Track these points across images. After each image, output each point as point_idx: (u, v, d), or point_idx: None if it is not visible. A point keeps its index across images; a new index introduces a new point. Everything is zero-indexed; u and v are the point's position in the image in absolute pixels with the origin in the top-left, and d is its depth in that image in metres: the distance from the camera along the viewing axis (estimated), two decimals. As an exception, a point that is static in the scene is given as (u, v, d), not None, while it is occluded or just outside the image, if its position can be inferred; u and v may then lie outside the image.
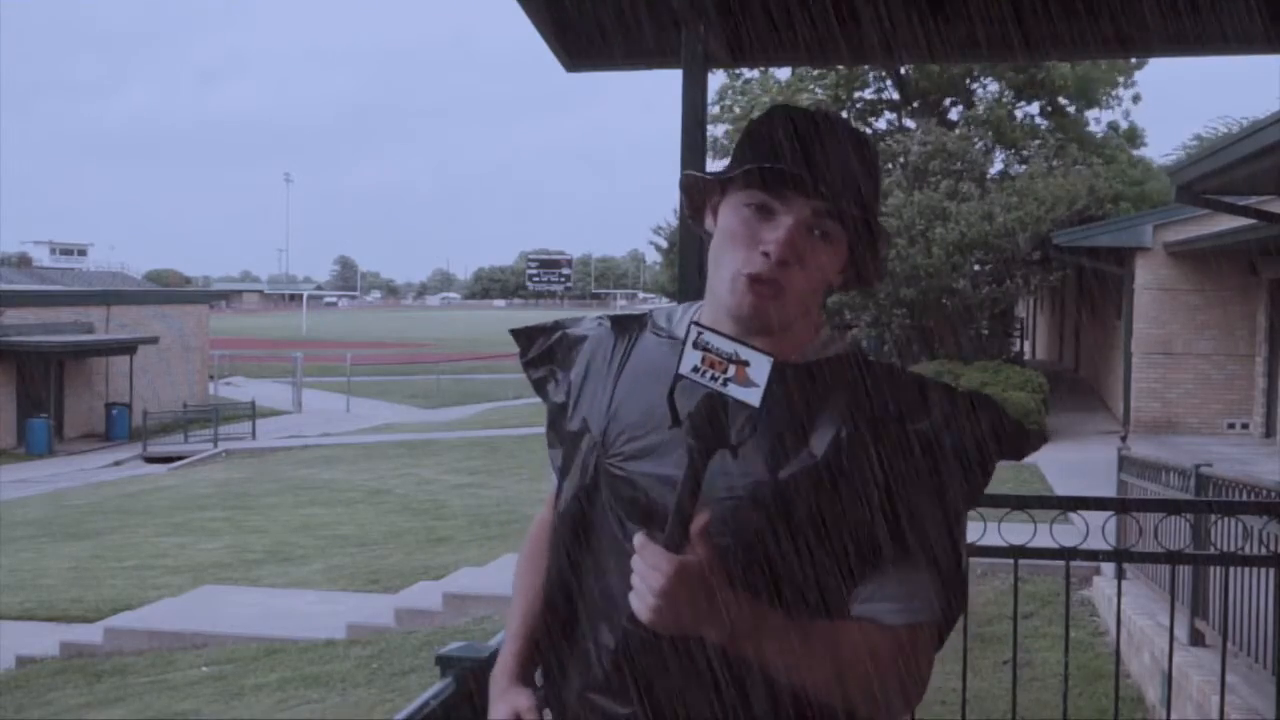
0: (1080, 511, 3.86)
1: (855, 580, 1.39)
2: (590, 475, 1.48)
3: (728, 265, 1.43)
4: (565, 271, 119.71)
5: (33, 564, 13.46)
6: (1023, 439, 1.43)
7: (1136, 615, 6.54)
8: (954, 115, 26.54)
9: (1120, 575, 4.11)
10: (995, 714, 5.37)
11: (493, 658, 1.75)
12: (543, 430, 1.69)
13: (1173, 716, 5.17)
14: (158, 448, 28.46)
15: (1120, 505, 4.53)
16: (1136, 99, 26.88)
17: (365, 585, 10.98)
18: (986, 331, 22.82)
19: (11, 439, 29.27)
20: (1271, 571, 4.28)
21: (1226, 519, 4.68)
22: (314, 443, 27.30)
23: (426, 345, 62.54)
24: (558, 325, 1.66)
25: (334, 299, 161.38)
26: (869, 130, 25.71)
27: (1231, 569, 5.07)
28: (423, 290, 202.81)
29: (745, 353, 1.29)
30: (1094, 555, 3.74)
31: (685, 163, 3.13)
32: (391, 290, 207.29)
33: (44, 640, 9.55)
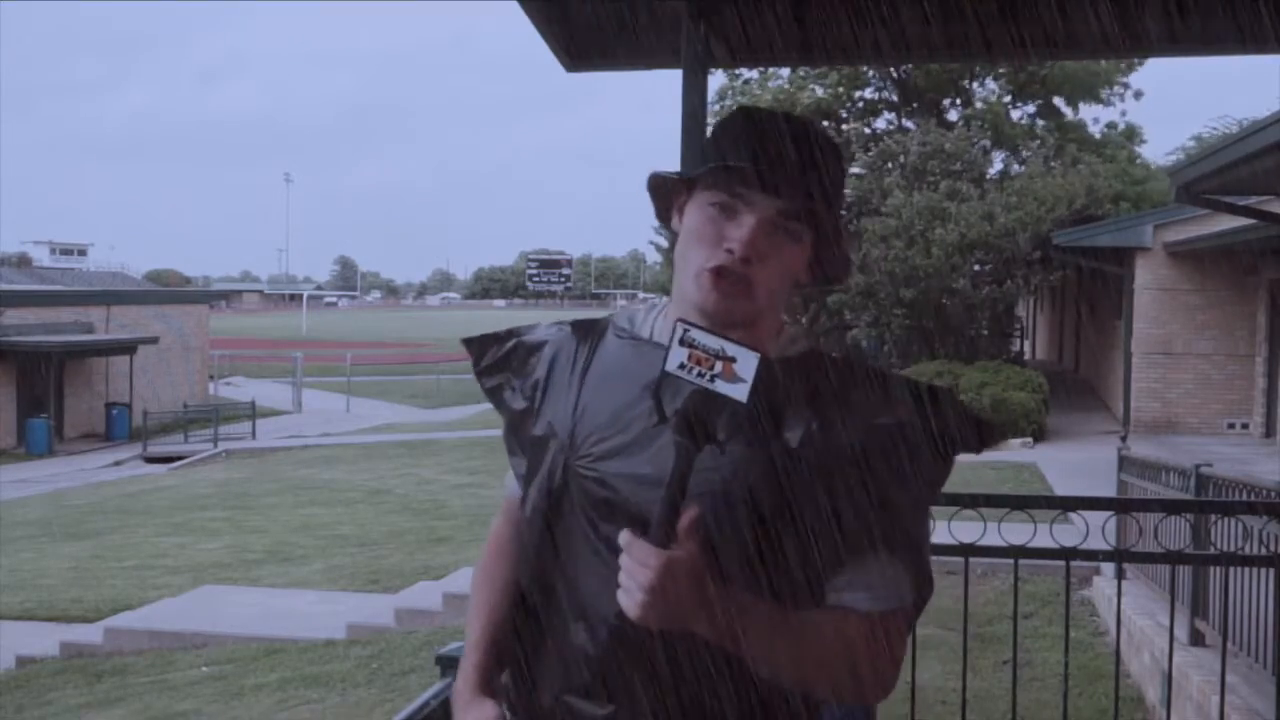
0: (1080, 511, 3.86)
1: (831, 571, 1.42)
2: (559, 478, 1.48)
3: (693, 262, 1.45)
4: (565, 271, 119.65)
5: (33, 564, 13.46)
6: (982, 431, 1.47)
7: (1136, 615, 6.54)
8: (953, 116, 26.54)
9: (1120, 575, 4.11)
10: (995, 714, 5.37)
11: None
12: None
13: (1173, 716, 5.18)
14: (158, 448, 28.46)
15: (1120, 505, 4.53)
16: (1138, 95, 26.88)
17: (365, 585, 10.98)
18: (986, 331, 22.81)
19: (11, 439, 29.27)
20: (1271, 571, 4.28)
21: (1226, 519, 4.68)
22: (314, 443, 27.31)
23: (426, 345, 62.54)
24: (511, 333, 1.66)
25: (334, 299, 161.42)
26: (869, 130, 25.72)
27: (1231, 569, 5.07)
28: (423, 290, 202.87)
29: (732, 349, 1.30)
30: (1094, 555, 3.74)
31: (685, 163, 3.14)
32: (391, 290, 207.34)
33: (44, 640, 9.55)
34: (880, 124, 26.75)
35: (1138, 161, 26.70)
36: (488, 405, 1.73)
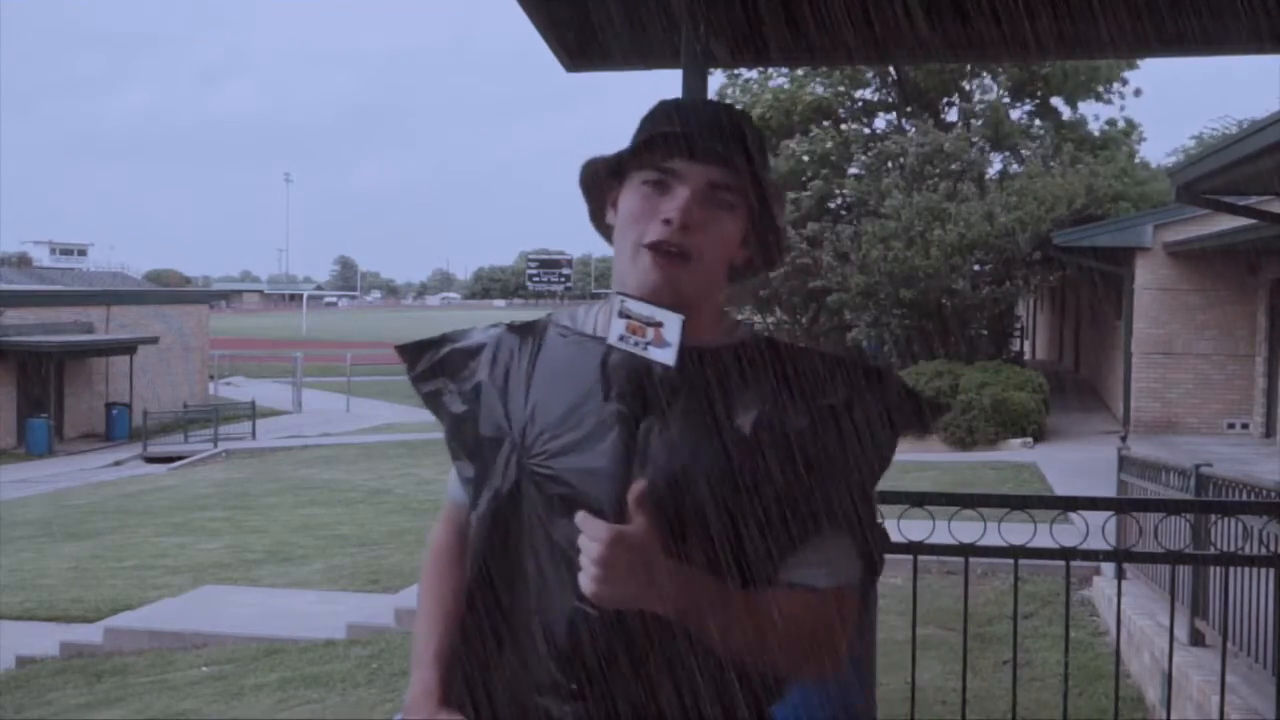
0: (1080, 511, 3.86)
1: (784, 550, 1.44)
2: (513, 477, 1.49)
3: (631, 240, 1.46)
4: (565, 271, 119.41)
5: (33, 564, 13.45)
6: (925, 409, 1.51)
7: (1136, 615, 6.54)
8: (952, 116, 26.52)
9: (1120, 575, 4.11)
10: (995, 714, 5.36)
11: None
12: None
13: (1173, 716, 5.17)
14: (158, 448, 28.46)
15: (1120, 505, 4.53)
16: (1137, 93, 26.88)
17: (365, 585, 10.97)
18: (986, 332, 22.82)
19: (11, 439, 29.27)
20: (1271, 571, 4.27)
21: (1226, 519, 4.68)
22: (314, 443, 27.30)
23: (426, 345, 62.28)
24: (445, 339, 1.66)
25: (334, 299, 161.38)
26: (868, 130, 25.70)
27: (1231, 569, 5.07)
28: (423, 290, 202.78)
29: (659, 314, 1.35)
30: (1094, 555, 3.74)
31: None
32: (391, 290, 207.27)
33: (44, 640, 9.54)
34: (880, 124, 26.75)
35: (1137, 160, 26.68)
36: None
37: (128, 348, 31.96)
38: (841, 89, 26.17)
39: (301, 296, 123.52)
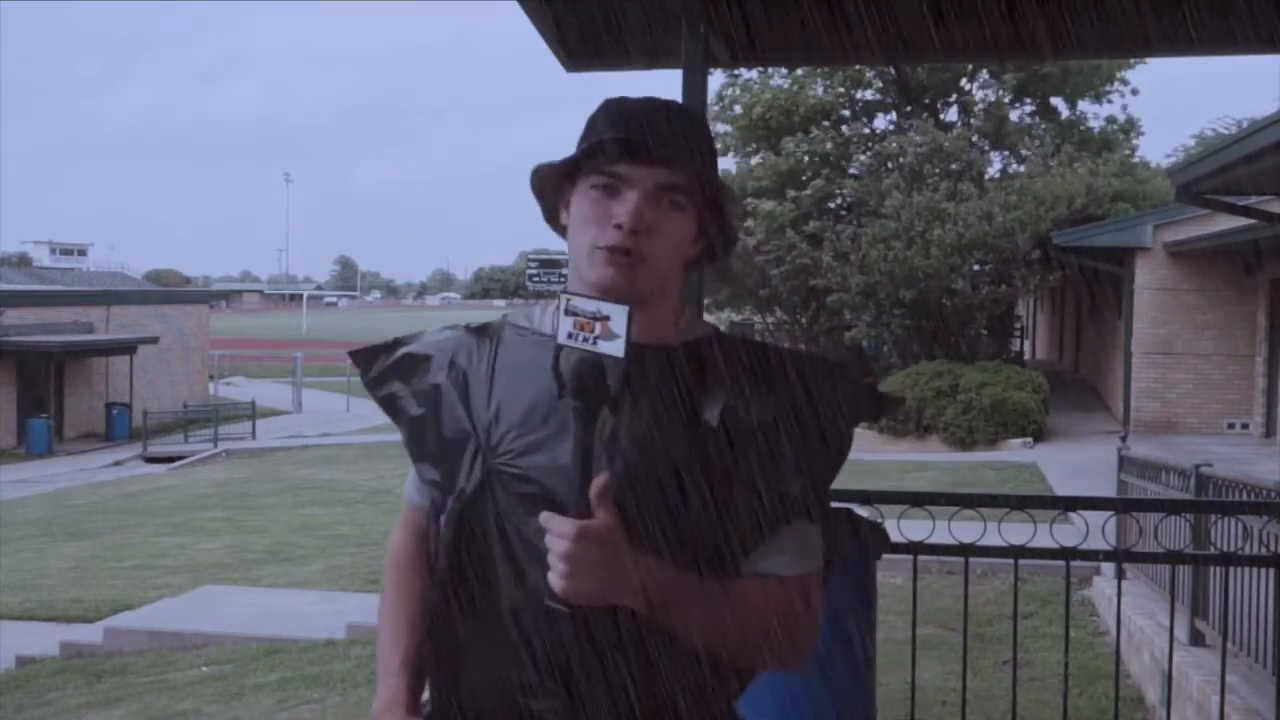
0: (1080, 511, 3.86)
1: (748, 540, 1.46)
2: (479, 478, 1.49)
3: (583, 244, 1.48)
4: (565, 272, 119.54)
5: (33, 564, 13.45)
6: (880, 401, 1.57)
7: (1136, 615, 6.54)
8: (951, 116, 26.52)
9: (1120, 575, 4.11)
10: (995, 714, 5.36)
11: None
12: None
13: (1173, 716, 5.17)
14: (158, 448, 28.46)
15: (1120, 505, 4.53)
16: (1135, 93, 26.89)
17: (365, 585, 10.96)
18: (986, 331, 22.81)
19: (11, 439, 29.28)
20: (1271, 571, 4.27)
21: (1226, 519, 4.68)
22: (314, 443, 27.30)
23: (426, 345, 62.26)
24: (398, 342, 1.67)
25: (334, 299, 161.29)
26: (868, 130, 25.70)
27: (1231, 569, 5.07)
28: (423, 290, 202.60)
29: (605, 308, 1.37)
30: (1094, 555, 3.74)
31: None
32: (391, 290, 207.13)
33: (44, 640, 9.54)
34: (880, 124, 26.75)
35: (1136, 159, 26.67)
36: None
37: (128, 348, 31.97)
38: (842, 89, 26.16)
39: (301, 296, 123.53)
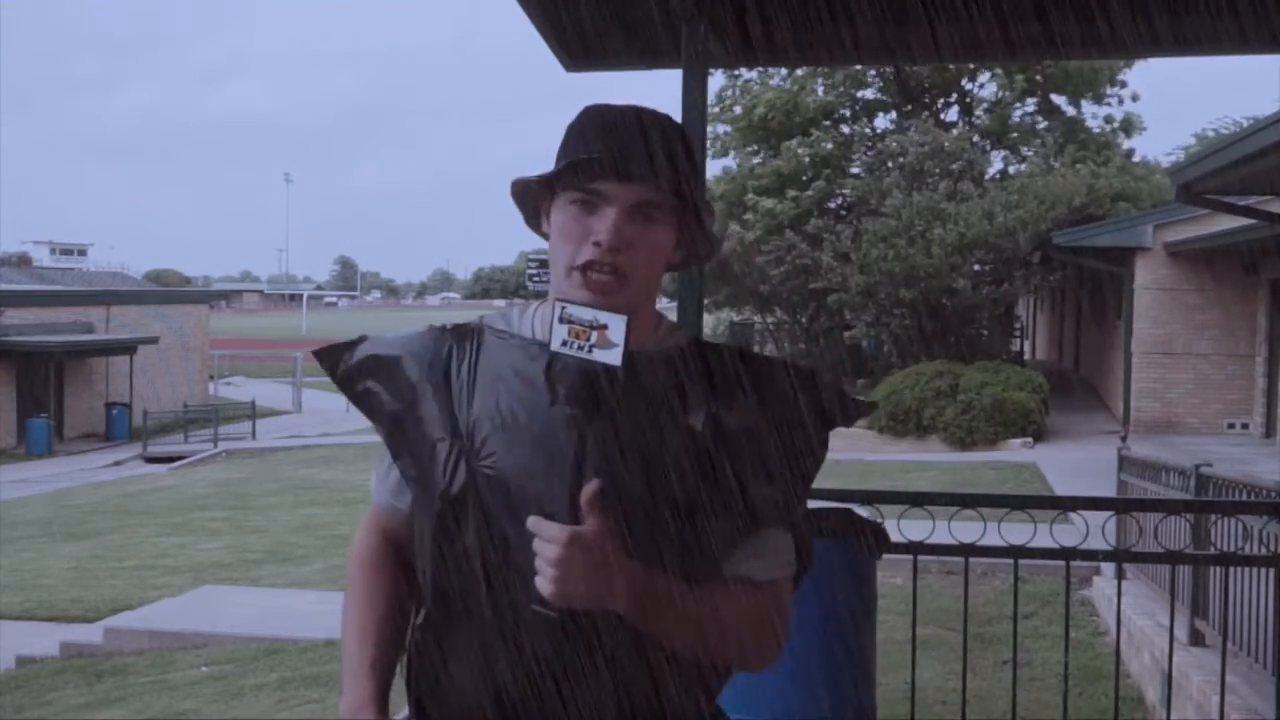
0: (1080, 511, 3.87)
1: (727, 545, 1.48)
2: (462, 481, 1.49)
3: (564, 261, 1.49)
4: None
5: (33, 564, 13.45)
6: (852, 407, 1.56)
7: (1136, 615, 6.54)
8: (952, 115, 26.51)
9: (1120, 575, 4.11)
10: (995, 714, 5.36)
11: None
12: None
13: (1173, 716, 5.17)
14: (158, 448, 28.46)
15: (1120, 505, 4.54)
16: (1135, 98, 26.87)
17: (365, 585, 10.96)
18: (986, 331, 22.81)
19: (11, 439, 29.28)
20: (1271, 571, 4.27)
21: (1226, 519, 4.68)
22: (314, 443, 27.30)
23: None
24: (365, 340, 1.66)
25: (334, 299, 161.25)
26: (869, 130, 25.70)
27: (1231, 569, 5.07)
28: (423, 290, 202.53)
29: (603, 316, 1.38)
30: (1094, 555, 3.74)
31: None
32: (391, 290, 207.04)
33: (44, 640, 9.54)
34: (880, 124, 26.74)
35: (1136, 159, 26.66)
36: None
37: (128, 348, 31.97)
38: (842, 89, 26.16)
39: (301, 296, 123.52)
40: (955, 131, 23.75)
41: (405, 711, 1.63)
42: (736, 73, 25.20)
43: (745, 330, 29.65)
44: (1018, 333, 27.32)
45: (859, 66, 23.70)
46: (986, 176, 23.52)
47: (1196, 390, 17.78)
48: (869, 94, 27.03)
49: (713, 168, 27.25)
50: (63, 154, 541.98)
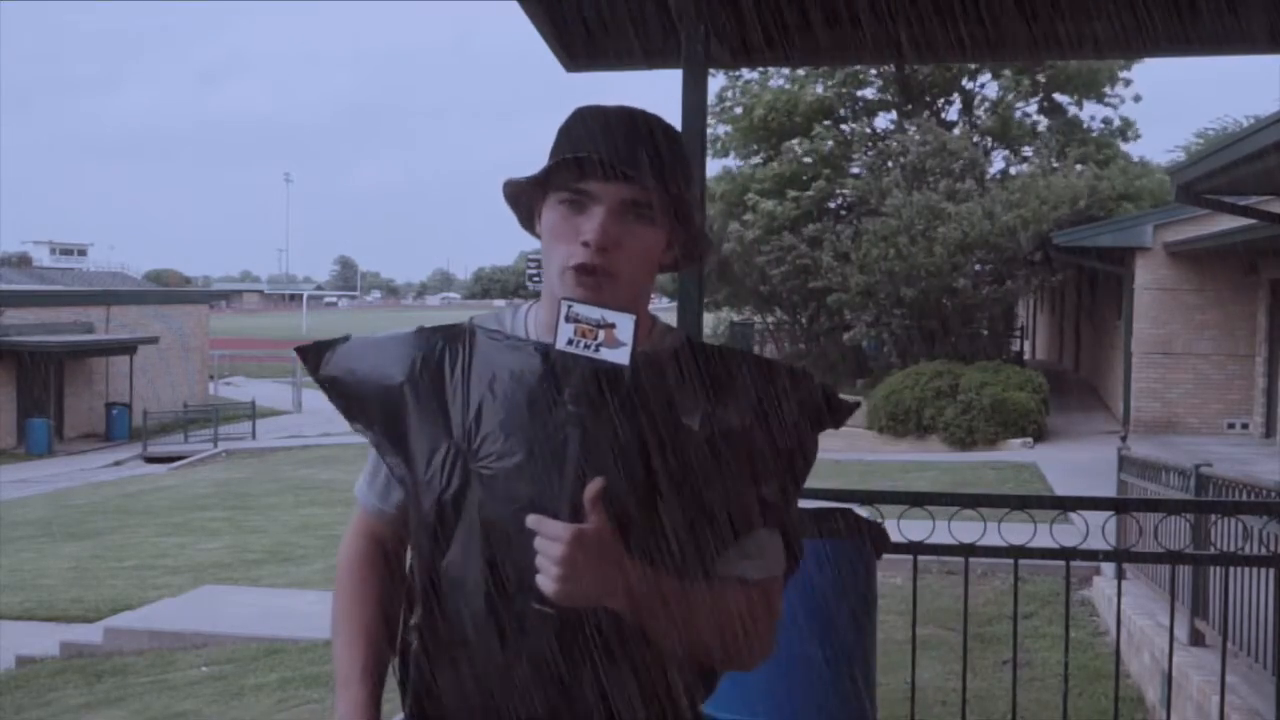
0: (1080, 511, 3.87)
1: (721, 544, 1.49)
2: (459, 482, 1.49)
3: (555, 262, 1.49)
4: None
5: (33, 564, 13.45)
6: (841, 408, 1.57)
7: (1136, 615, 6.54)
8: (952, 115, 26.51)
9: (1120, 575, 4.12)
10: (995, 714, 5.37)
11: None
12: None
13: (1173, 716, 5.18)
14: (158, 448, 28.46)
15: (1120, 505, 4.53)
16: (1137, 99, 26.87)
17: (365, 585, 10.97)
18: (986, 332, 22.81)
19: (11, 439, 29.28)
20: (1271, 571, 4.27)
21: (1226, 519, 4.68)
22: (314, 443, 27.29)
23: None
24: (348, 338, 1.66)
25: (334, 299, 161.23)
26: (869, 130, 25.71)
27: (1231, 569, 5.07)
28: (423, 290, 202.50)
29: (611, 315, 1.38)
30: (1094, 555, 3.74)
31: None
32: (391, 290, 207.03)
33: (44, 640, 9.54)
34: (881, 123, 26.75)
35: (1135, 159, 26.66)
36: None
37: (128, 348, 31.97)
38: (843, 89, 26.17)
39: (301, 296, 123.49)
40: (957, 131, 23.75)
41: (400, 716, 1.63)
42: (737, 73, 25.20)
43: (745, 330, 29.64)
44: (1018, 333, 27.34)
45: (859, 67, 23.70)
46: (988, 176, 23.52)
47: (1196, 390, 17.79)
48: (869, 93, 27.04)
49: (713, 168, 27.27)
50: (63, 154, 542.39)
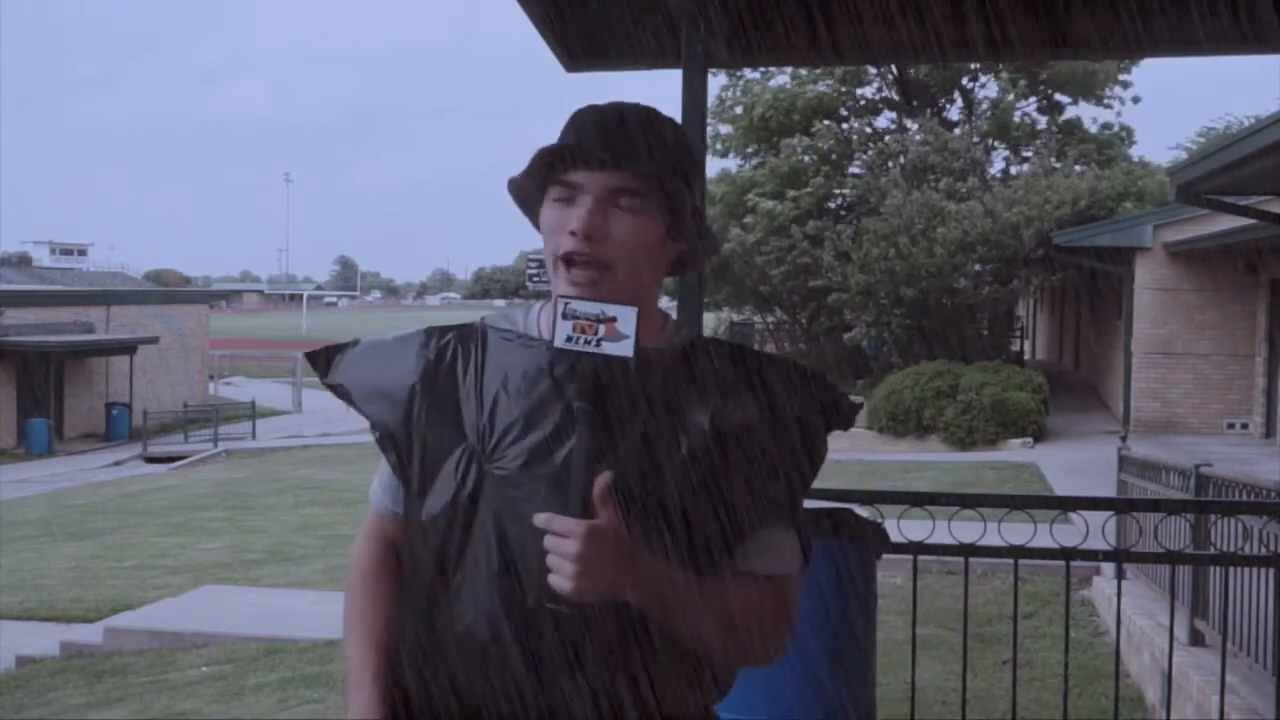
0: (1080, 511, 3.87)
1: (734, 540, 1.48)
2: (473, 483, 1.48)
3: (549, 254, 1.50)
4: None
5: (33, 564, 13.45)
6: (849, 408, 1.56)
7: (1136, 615, 6.54)
8: (954, 114, 26.50)
9: (1120, 575, 4.11)
10: (995, 714, 5.36)
11: None
12: None
13: (1173, 716, 5.18)
14: (158, 448, 28.45)
15: (1120, 505, 4.54)
16: (1136, 100, 26.86)
17: (365, 585, 10.96)
18: (986, 332, 22.81)
19: (11, 439, 29.27)
20: (1271, 571, 4.27)
21: (1226, 519, 4.68)
22: (314, 443, 27.30)
23: (426, 345, 62.33)
24: (358, 342, 1.66)
25: (334, 299, 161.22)
26: (869, 129, 25.70)
27: (1231, 569, 5.07)
28: (423, 290, 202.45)
29: (611, 309, 1.38)
30: (1094, 555, 3.74)
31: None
32: (391, 290, 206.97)
33: (44, 640, 9.53)
34: (881, 123, 26.74)
35: (1135, 159, 26.66)
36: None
37: (128, 348, 31.97)
38: (844, 88, 26.16)
39: (301, 296, 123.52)
40: (958, 130, 23.74)
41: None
42: (738, 73, 25.20)
43: (745, 330, 29.65)
44: (1018, 333, 27.34)
45: (859, 66, 23.69)
46: (988, 176, 23.52)
47: (1196, 390, 17.78)
48: (869, 92, 27.05)
49: (712, 169, 27.26)
50: (63, 154, 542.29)
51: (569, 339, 1.37)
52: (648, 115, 1.52)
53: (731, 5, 3.48)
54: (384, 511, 1.66)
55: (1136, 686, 6.34)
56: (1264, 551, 4.22)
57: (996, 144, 25.87)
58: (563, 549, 1.34)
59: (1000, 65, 23.80)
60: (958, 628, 4.42)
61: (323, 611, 9.62)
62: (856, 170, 24.86)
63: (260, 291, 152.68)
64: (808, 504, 1.59)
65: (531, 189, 1.54)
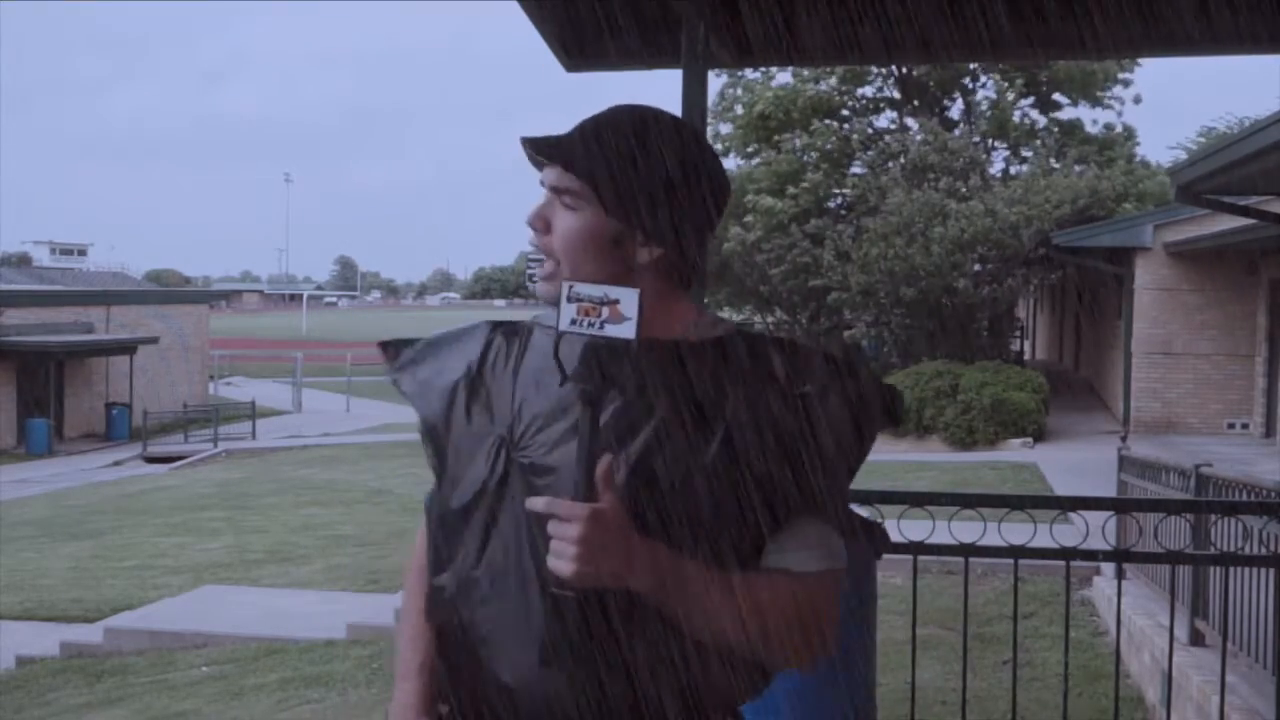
0: (1080, 511, 3.86)
1: (763, 534, 1.45)
2: (501, 470, 1.50)
3: None
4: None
5: (33, 564, 13.45)
6: (896, 401, 1.53)
7: (1136, 615, 6.54)
8: (954, 114, 26.50)
9: (1120, 575, 4.11)
10: (995, 714, 5.37)
11: None
12: None
13: (1173, 716, 5.17)
14: (158, 448, 28.46)
15: (1120, 505, 4.53)
16: (1137, 100, 26.84)
17: (365, 585, 10.97)
18: (986, 331, 22.81)
19: (11, 439, 29.27)
20: (1271, 571, 4.27)
21: (1226, 519, 4.68)
22: (314, 443, 27.30)
23: (426, 345, 62.33)
24: (423, 339, 1.71)
25: (334, 299, 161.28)
26: (869, 129, 25.70)
27: (1231, 569, 5.07)
28: (423, 290, 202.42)
29: (614, 291, 1.39)
30: (1094, 555, 3.74)
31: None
32: (391, 290, 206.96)
33: (44, 640, 9.54)
34: (882, 122, 26.74)
35: (1136, 160, 26.65)
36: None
37: (128, 348, 31.97)
38: (844, 87, 26.16)
39: (301, 296, 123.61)
40: (958, 130, 23.74)
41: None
42: (740, 73, 25.20)
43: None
44: (1018, 333, 27.33)
45: (859, 66, 23.69)
46: (988, 175, 23.52)
47: (1196, 390, 17.78)
48: (869, 91, 27.04)
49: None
50: (63, 154, 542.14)
51: (573, 321, 1.39)
52: (640, 120, 1.51)
53: (732, 5, 3.48)
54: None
55: (1137, 687, 6.34)
56: (1264, 551, 4.22)
57: (996, 144, 25.87)
58: (564, 533, 1.34)
59: (1000, 65, 23.81)
60: (958, 628, 4.42)
61: (323, 611, 9.63)
62: (857, 169, 24.86)
63: (260, 291, 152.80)
64: None
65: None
